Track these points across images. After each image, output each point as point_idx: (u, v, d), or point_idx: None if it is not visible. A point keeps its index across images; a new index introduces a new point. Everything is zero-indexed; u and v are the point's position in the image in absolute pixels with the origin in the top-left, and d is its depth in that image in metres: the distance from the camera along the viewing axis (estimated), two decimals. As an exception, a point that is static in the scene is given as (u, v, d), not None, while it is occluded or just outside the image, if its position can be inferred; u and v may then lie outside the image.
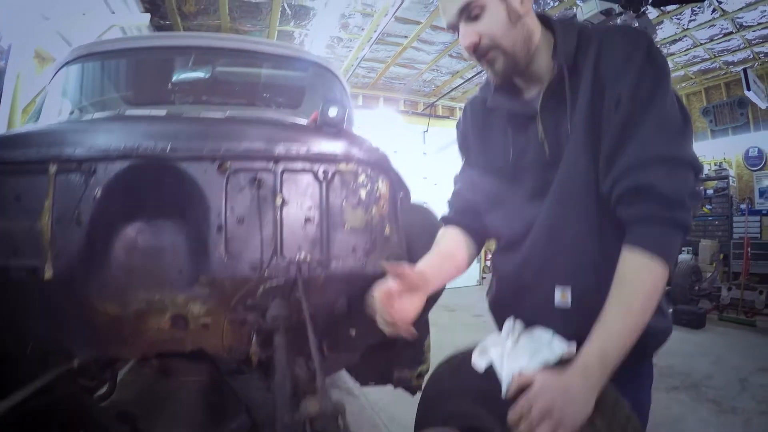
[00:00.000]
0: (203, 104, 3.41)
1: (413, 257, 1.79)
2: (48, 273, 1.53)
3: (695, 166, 1.11)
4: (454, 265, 1.52)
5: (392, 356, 2.49)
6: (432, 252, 1.52)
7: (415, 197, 7.51)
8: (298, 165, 1.68)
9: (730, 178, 9.49)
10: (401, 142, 10.30)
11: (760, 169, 9.60)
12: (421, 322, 2.44)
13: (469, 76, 9.60)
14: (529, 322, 1.32)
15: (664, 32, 7.65)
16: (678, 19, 7.24)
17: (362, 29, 7.46)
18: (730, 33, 7.82)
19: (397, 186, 1.83)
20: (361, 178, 1.74)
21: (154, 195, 1.64)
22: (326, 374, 2.17)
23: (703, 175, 9.48)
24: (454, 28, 1.31)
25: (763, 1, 6.64)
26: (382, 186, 1.78)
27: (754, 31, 7.71)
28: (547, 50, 1.32)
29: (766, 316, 6.31)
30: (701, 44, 8.25)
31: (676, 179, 1.08)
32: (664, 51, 8.52)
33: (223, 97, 3.37)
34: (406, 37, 7.80)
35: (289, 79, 2.98)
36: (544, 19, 1.35)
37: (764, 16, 7.18)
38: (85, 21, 4.19)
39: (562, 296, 1.26)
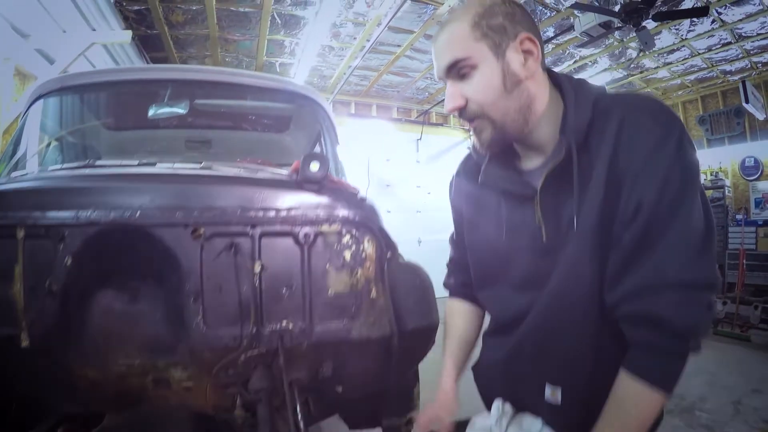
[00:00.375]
0: (181, 149, 3.37)
1: (402, 319, 1.77)
2: (24, 341, 1.49)
3: (714, 285, 1.00)
4: (472, 348, 1.51)
5: (381, 404, 2.44)
6: (453, 342, 1.50)
7: (409, 205, 7.38)
8: (277, 228, 1.63)
9: (726, 188, 9.46)
10: (394, 150, 10.29)
11: (756, 179, 9.56)
12: (411, 371, 2.39)
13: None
14: (519, 407, 1.28)
15: (662, 42, 7.59)
16: (676, 29, 7.19)
17: (354, 38, 7.37)
18: (729, 43, 7.76)
19: (385, 245, 1.78)
20: (346, 239, 1.70)
21: (128, 260, 1.60)
22: (313, 422, 2.12)
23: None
24: (442, 81, 1.20)
25: (764, 13, 6.58)
26: (368, 246, 1.73)
27: (753, 41, 7.65)
28: (554, 118, 1.17)
29: (761, 330, 6.25)
30: (699, 54, 8.19)
31: (692, 308, 0.98)
32: (661, 60, 8.51)
33: (204, 134, 3.33)
34: (399, 46, 7.71)
35: (273, 110, 2.92)
36: (553, 78, 1.22)
37: (764, 27, 7.14)
38: (65, 39, 4.09)
39: (552, 393, 1.18)
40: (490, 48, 1.10)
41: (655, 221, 1.00)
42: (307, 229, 1.63)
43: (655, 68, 8.92)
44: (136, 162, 1.94)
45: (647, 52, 7.76)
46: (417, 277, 1.82)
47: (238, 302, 1.58)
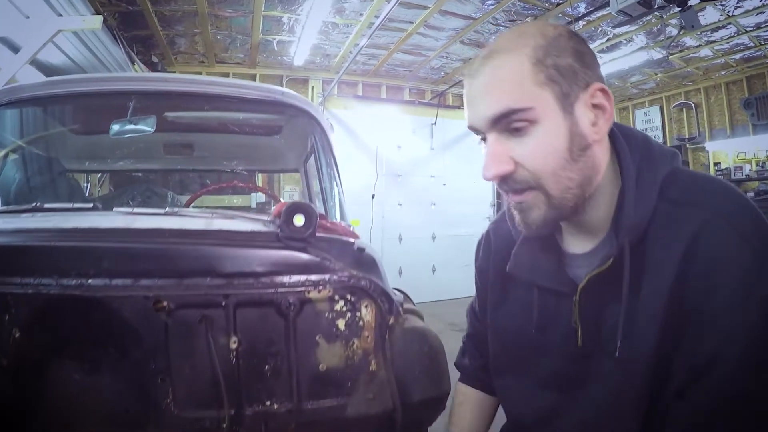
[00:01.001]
0: (159, 153, 3.25)
1: (407, 391, 1.64)
2: (-24, 420, 1.42)
3: None
4: None
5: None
6: None
7: (423, 197, 7.32)
8: (256, 296, 1.49)
9: (775, 179, 9.21)
10: (406, 136, 10.10)
11: None
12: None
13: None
14: None
15: (705, 18, 7.33)
16: (722, 5, 6.93)
17: (360, 14, 7.15)
18: None
19: (387, 309, 1.63)
20: (339, 305, 1.56)
21: (84, 332, 1.46)
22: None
23: (744, 176, 9.23)
24: (478, 133, 1.02)
25: (821, -13, 6.32)
26: (367, 313, 1.59)
27: None
28: (610, 196, 1.01)
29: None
30: (747, 32, 7.91)
31: None
32: (704, 38, 8.23)
33: (185, 137, 3.20)
34: (411, 22, 7.48)
35: (259, 120, 2.78)
36: (612, 140, 1.05)
37: None
38: (30, 25, 3.94)
39: None
40: (557, 98, 0.94)
41: (734, 388, 0.82)
42: (291, 297, 1.49)
43: (697, 47, 8.64)
44: (89, 205, 1.81)
45: (688, 30, 7.50)
46: (425, 343, 1.67)
47: (213, 382, 1.46)
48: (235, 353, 1.48)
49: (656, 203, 0.95)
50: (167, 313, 1.42)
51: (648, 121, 11.10)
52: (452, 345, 1.68)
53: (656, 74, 9.99)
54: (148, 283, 1.42)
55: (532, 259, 1.11)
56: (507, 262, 1.19)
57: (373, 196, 9.00)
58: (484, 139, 1.01)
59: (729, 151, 9.91)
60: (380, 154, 9.45)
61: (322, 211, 2.74)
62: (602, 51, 8.31)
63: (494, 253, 1.29)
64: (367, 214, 8.90)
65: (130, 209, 1.68)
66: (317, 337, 1.54)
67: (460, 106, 10.87)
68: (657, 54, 8.78)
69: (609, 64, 8.75)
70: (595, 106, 0.96)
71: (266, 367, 1.51)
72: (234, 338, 1.47)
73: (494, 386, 1.33)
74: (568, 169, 0.94)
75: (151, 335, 1.44)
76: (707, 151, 10.09)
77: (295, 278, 1.50)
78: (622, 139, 1.04)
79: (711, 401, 0.84)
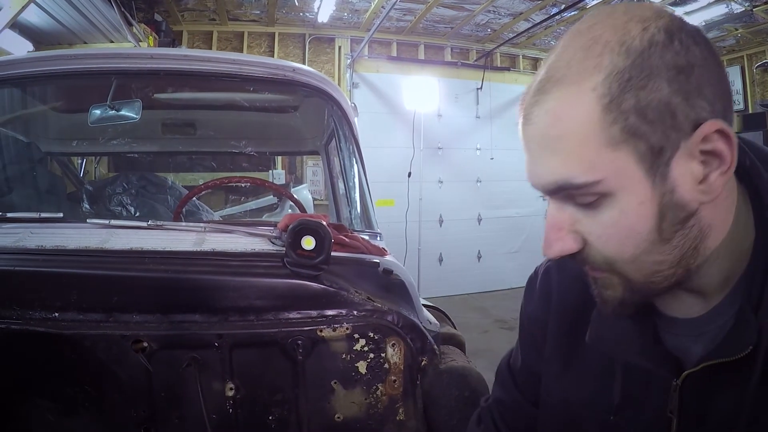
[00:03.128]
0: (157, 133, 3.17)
1: None
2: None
3: None
4: None
5: None
6: None
7: (467, 174, 7.16)
8: (257, 336, 1.42)
9: None
10: (447, 103, 9.88)
11: None
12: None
13: (538, 20, 9.04)
14: None
15: None
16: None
17: (394, -38, 7.01)
18: None
19: (418, 348, 1.53)
20: (359, 345, 1.47)
21: (53, 373, 1.41)
22: None
23: None
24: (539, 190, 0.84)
25: None
26: (394, 353, 1.50)
27: None
28: (736, 249, 0.82)
29: None
30: None
31: None
32: None
33: (187, 114, 3.13)
34: (453, -29, 7.32)
35: (269, 101, 2.70)
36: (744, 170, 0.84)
37: None
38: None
39: None
40: (641, 160, 0.73)
41: None
42: (300, 336, 1.40)
43: None
44: (59, 215, 1.74)
45: None
46: (465, 387, 1.57)
47: None
48: (231, 402, 1.41)
49: None
50: (148, 355, 1.35)
51: (726, 84, 10.75)
52: (499, 345, 1.58)
53: (736, 29, 9.45)
54: (125, 319, 1.36)
55: (620, 326, 0.92)
56: (576, 316, 1.02)
57: (410, 174, 8.86)
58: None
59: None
60: (418, 125, 9.29)
61: (344, 210, 2.64)
62: (674, 3, 8.01)
63: (557, 301, 1.10)
64: (403, 193, 8.79)
65: (106, 221, 1.60)
66: (332, 383, 1.47)
67: (509, 68, 10.70)
68: (738, 6, 8.40)
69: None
70: (707, 153, 0.74)
71: (270, 418, 1.45)
72: (230, 384, 1.41)
73: None
74: (656, 252, 0.77)
75: (131, 379, 1.38)
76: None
77: (305, 313, 1.43)
78: (755, 160, 0.84)
79: None
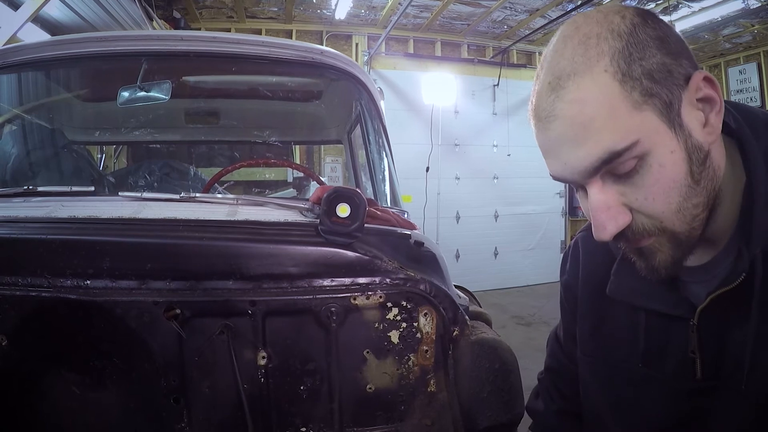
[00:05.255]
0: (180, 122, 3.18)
1: (472, 416, 1.55)
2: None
3: None
4: None
5: None
6: None
7: (484, 170, 7.19)
8: (290, 304, 1.40)
9: None
10: (464, 99, 9.94)
11: None
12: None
13: (554, 17, 9.00)
14: None
15: None
16: None
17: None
18: None
19: (450, 318, 1.52)
20: (392, 314, 1.45)
21: (83, 342, 1.39)
22: None
23: None
24: (576, 185, 0.92)
25: None
26: (426, 323, 1.48)
27: None
28: (732, 194, 0.92)
29: None
30: None
31: None
32: None
33: (210, 103, 3.12)
34: (470, -33, 7.31)
35: (295, 85, 2.69)
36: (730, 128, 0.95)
37: None
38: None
39: None
40: (661, 114, 0.82)
41: None
42: (334, 304, 1.39)
43: None
44: (90, 188, 1.75)
45: None
46: (496, 359, 1.56)
47: (236, 404, 1.38)
48: (263, 371, 1.40)
49: None
50: (181, 323, 1.33)
51: (743, 81, 10.64)
52: (516, 340, 1.58)
53: (753, 26, 9.44)
54: (158, 286, 1.34)
55: (637, 277, 0.99)
56: (601, 278, 1.12)
57: (428, 169, 8.87)
58: (578, 188, 0.93)
59: None
60: (435, 121, 9.31)
61: (369, 192, 2.63)
62: (691, -1, 7.99)
63: (584, 268, 1.21)
64: (420, 189, 8.81)
65: (138, 194, 1.59)
66: (365, 352, 1.45)
67: (526, 65, 10.70)
68: (755, 2, 8.35)
69: (699, 14, 8.44)
70: (702, 101, 0.86)
71: (302, 388, 1.43)
72: (262, 353, 1.39)
73: None
74: (694, 195, 0.85)
75: (162, 348, 1.36)
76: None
77: (339, 281, 1.41)
78: (740, 119, 0.94)
79: None
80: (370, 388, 1.45)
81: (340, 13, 8.60)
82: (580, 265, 1.22)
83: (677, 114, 0.83)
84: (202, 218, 1.48)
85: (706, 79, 0.85)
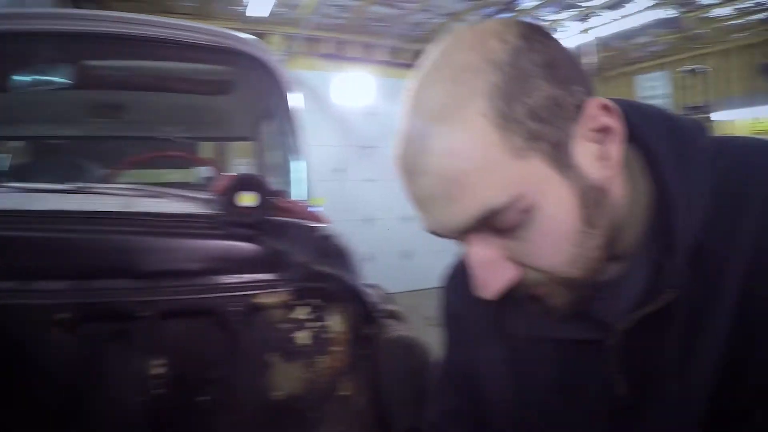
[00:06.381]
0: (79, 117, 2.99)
1: (390, 420, 1.49)
2: None
3: None
4: None
5: None
6: None
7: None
8: (188, 304, 1.31)
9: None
10: (380, 101, 9.91)
11: None
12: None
13: (472, 20, 9.15)
14: None
15: None
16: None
17: (330, -42, 6.96)
18: None
19: (362, 315, 1.46)
20: (300, 313, 1.39)
21: None
22: None
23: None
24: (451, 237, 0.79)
25: None
26: (337, 322, 1.42)
27: None
28: (638, 206, 0.83)
29: None
30: None
31: None
32: None
33: (114, 96, 2.95)
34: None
35: (204, 73, 2.58)
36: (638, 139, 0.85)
37: None
38: None
39: None
40: (549, 159, 0.72)
41: None
42: (236, 303, 1.31)
43: (713, 5, 8.66)
44: None
45: None
46: (413, 358, 1.52)
47: (129, 418, 1.29)
48: (160, 380, 1.29)
49: (710, 200, 0.79)
50: (68, 328, 1.22)
51: (652, 89, 11.06)
52: (432, 342, 1.51)
53: (665, 35, 9.98)
54: (41, 287, 1.23)
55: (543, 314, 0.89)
56: (497, 308, 0.96)
57: (340, 171, 8.87)
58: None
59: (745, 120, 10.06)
60: (350, 122, 9.29)
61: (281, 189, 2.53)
62: (606, 7, 8.27)
63: (476, 298, 1.06)
64: (333, 191, 8.68)
65: (22, 185, 1.47)
66: (271, 356, 1.38)
67: (443, 69, 10.77)
68: (668, 13, 8.77)
69: (614, 24, 8.78)
70: (598, 131, 0.75)
71: (203, 398, 1.34)
72: (159, 361, 1.28)
73: None
74: (589, 240, 0.75)
75: (46, 355, 1.25)
76: (720, 121, 10.14)
77: (241, 278, 1.34)
78: (639, 122, 0.85)
79: None
80: (278, 395, 1.38)
81: (260, 11, 8.47)
82: (471, 295, 0.97)
83: (568, 153, 0.73)
84: (93, 209, 1.36)
85: (603, 106, 0.75)
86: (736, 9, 8.79)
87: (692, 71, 10.45)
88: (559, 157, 0.72)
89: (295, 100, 2.50)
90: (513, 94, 0.69)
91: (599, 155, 0.75)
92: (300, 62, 9.31)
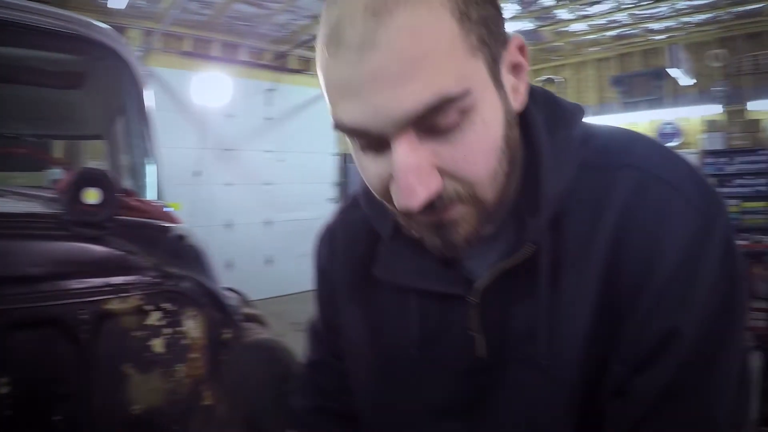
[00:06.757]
0: None
1: (259, 426, 1.44)
2: None
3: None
4: None
5: None
6: None
7: (256, 176, 7.01)
8: (29, 313, 1.19)
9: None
10: (239, 103, 9.72)
11: (674, 147, 10.30)
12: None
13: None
14: None
15: None
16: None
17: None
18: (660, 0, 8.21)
19: (220, 319, 1.42)
20: (153, 318, 1.31)
21: None
22: None
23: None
24: (376, 140, 0.75)
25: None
26: (193, 326, 1.36)
27: (687, 0, 8.17)
28: (513, 170, 0.85)
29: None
30: (625, 8, 8.56)
31: None
32: (580, 12, 8.80)
33: None
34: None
35: (51, 62, 2.39)
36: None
37: None
38: None
39: None
40: (489, 68, 0.75)
41: (690, 366, 0.79)
42: (84, 311, 1.21)
43: (570, 20, 9.20)
44: None
45: (566, 2, 8.06)
46: (276, 361, 1.49)
47: None
48: (6, 401, 1.17)
49: (579, 173, 0.84)
50: None
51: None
52: (298, 348, 1.48)
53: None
54: None
55: (408, 257, 0.93)
56: (364, 261, 1.01)
57: (198, 174, 8.73)
58: (374, 145, 0.77)
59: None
60: (208, 124, 9.06)
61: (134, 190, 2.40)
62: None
63: (345, 252, 1.09)
64: (191, 196, 8.53)
65: None
66: (125, 367, 1.29)
67: (303, 71, 10.81)
68: (527, 25, 9.23)
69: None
70: (515, 66, 0.81)
71: (55, 418, 1.22)
72: (2, 378, 1.16)
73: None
74: (504, 161, 0.79)
75: None
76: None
77: (89, 282, 1.25)
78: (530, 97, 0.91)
79: (670, 382, 0.79)
80: (136, 409, 1.30)
81: (119, 3, 8.07)
82: (339, 249, 1.11)
83: (499, 72, 0.77)
84: None
85: (521, 46, 0.81)
86: (590, 25, 9.41)
87: (549, 80, 11.20)
88: (495, 70, 0.75)
89: (150, 97, 2.37)
90: None
91: (514, 87, 0.80)
92: (158, 59, 8.97)
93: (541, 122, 0.86)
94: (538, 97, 0.90)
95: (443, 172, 0.74)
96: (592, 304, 0.81)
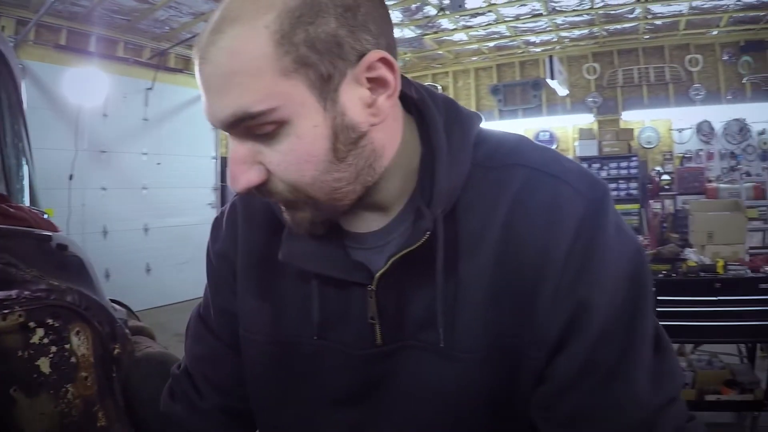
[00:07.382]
0: None
1: None
2: None
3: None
4: None
5: None
6: None
7: (133, 180, 6.93)
8: None
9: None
10: (115, 102, 9.38)
11: None
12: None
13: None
14: None
15: (468, 3, 8.15)
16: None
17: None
18: (540, 15, 8.65)
19: (108, 333, 1.34)
20: (37, 336, 1.21)
21: None
22: None
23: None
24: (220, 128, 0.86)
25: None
26: (80, 343, 1.28)
27: (566, 16, 8.71)
28: (408, 166, 0.95)
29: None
30: (505, 21, 8.95)
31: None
32: (462, 23, 9.14)
33: None
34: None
35: None
36: (406, 102, 0.97)
37: (582, 3, 8.25)
38: None
39: None
40: (312, 87, 0.80)
41: (605, 338, 0.86)
42: None
43: (452, 30, 9.51)
44: None
45: (448, 12, 8.25)
46: (168, 373, 1.41)
47: None
48: None
49: (472, 170, 0.93)
50: None
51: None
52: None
53: (405, 53, 10.89)
54: None
55: (311, 243, 0.97)
56: (265, 244, 1.06)
57: (71, 177, 8.35)
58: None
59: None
60: (81, 124, 8.67)
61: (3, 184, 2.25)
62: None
63: (245, 234, 1.12)
64: (63, 201, 8.20)
65: None
66: (11, 391, 1.19)
67: (183, 70, 10.64)
68: (410, 33, 9.50)
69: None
70: (373, 81, 0.84)
71: None
72: None
73: (261, 424, 1.15)
74: (334, 171, 0.85)
75: None
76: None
77: None
78: (424, 95, 0.98)
79: (584, 362, 0.86)
80: None
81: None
82: (239, 231, 1.13)
83: (334, 90, 0.81)
84: None
85: (384, 60, 0.83)
86: (470, 36, 9.83)
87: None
88: (324, 88, 0.80)
89: (22, 90, 2.25)
90: (300, 20, 0.76)
91: (368, 102, 0.83)
92: (31, 52, 8.51)
93: (440, 124, 0.93)
94: (438, 102, 0.97)
95: (270, 171, 0.84)
96: (486, 289, 0.88)
